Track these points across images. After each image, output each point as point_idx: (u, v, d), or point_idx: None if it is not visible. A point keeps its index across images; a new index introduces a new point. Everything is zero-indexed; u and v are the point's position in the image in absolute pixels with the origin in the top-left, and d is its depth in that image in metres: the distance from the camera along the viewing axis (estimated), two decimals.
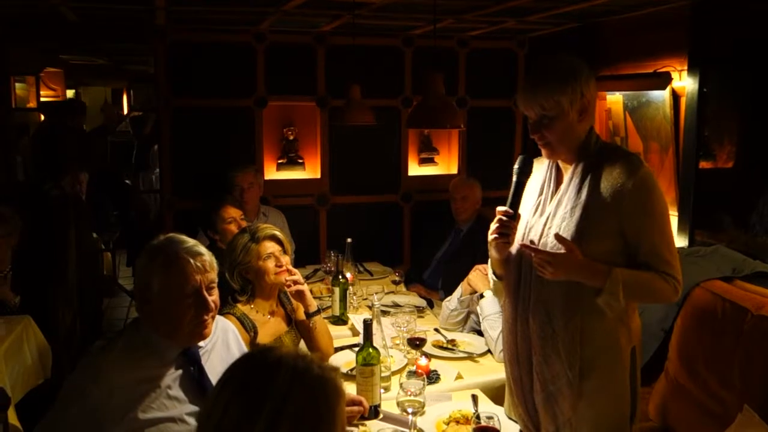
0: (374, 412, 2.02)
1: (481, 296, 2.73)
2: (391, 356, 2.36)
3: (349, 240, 3.45)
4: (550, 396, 1.81)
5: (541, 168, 1.91)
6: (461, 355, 2.60)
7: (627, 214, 1.72)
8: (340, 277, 3.02)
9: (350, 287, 3.20)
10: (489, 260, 1.99)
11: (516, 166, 1.83)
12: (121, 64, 7.81)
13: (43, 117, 6.31)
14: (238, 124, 4.15)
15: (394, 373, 2.30)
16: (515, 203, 1.82)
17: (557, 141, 1.78)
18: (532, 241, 1.82)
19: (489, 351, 2.60)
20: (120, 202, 6.41)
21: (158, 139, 4.30)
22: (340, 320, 3.02)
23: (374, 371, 2.03)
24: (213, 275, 1.71)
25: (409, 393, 1.90)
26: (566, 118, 1.75)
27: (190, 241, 1.70)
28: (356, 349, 2.14)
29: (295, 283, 2.43)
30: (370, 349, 2.05)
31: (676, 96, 3.10)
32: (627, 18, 3.46)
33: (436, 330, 2.86)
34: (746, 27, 2.81)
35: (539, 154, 1.88)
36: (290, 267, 2.47)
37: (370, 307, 2.56)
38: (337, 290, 3.01)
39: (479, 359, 2.57)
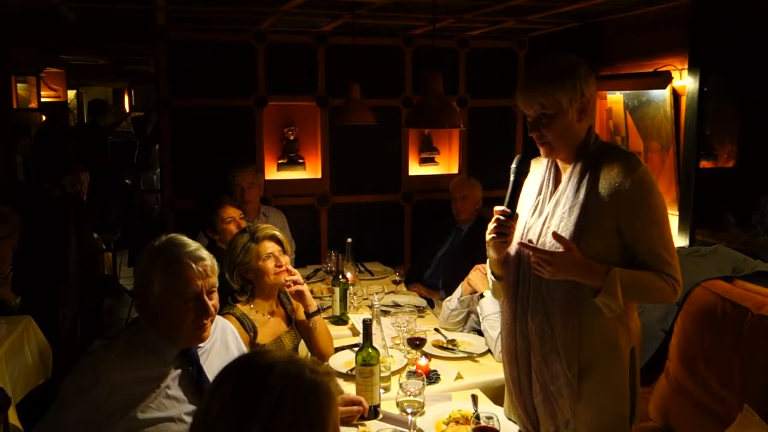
0: (374, 413, 2.02)
1: (481, 296, 2.72)
2: (391, 356, 2.36)
3: (349, 240, 3.45)
4: (549, 396, 1.80)
5: (539, 167, 1.90)
6: (461, 355, 2.59)
7: (625, 214, 1.71)
8: (341, 277, 3.03)
9: (350, 287, 3.20)
10: (488, 260, 1.99)
11: (513, 166, 1.83)
12: (121, 64, 7.82)
13: (44, 117, 6.32)
14: (239, 124, 4.16)
15: (393, 373, 2.30)
16: (513, 203, 1.81)
17: (556, 140, 1.77)
18: (530, 241, 1.81)
19: (489, 351, 2.60)
20: (121, 202, 6.41)
21: (159, 139, 4.31)
22: (341, 320, 3.02)
23: (374, 371, 2.03)
24: (214, 279, 1.71)
25: (408, 393, 1.89)
26: (565, 116, 1.74)
27: (193, 245, 1.70)
28: (356, 349, 2.14)
29: (295, 283, 2.43)
30: (370, 349, 2.05)
31: (676, 95, 3.10)
32: (627, 17, 3.46)
33: (436, 330, 2.86)
34: (746, 26, 2.81)
35: (538, 154, 1.87)
36: (290, 267, 2.47)
37: (371, 307, 2.55)
38: (337, 290, 3.01)
39: (479, 359, 2.57)
